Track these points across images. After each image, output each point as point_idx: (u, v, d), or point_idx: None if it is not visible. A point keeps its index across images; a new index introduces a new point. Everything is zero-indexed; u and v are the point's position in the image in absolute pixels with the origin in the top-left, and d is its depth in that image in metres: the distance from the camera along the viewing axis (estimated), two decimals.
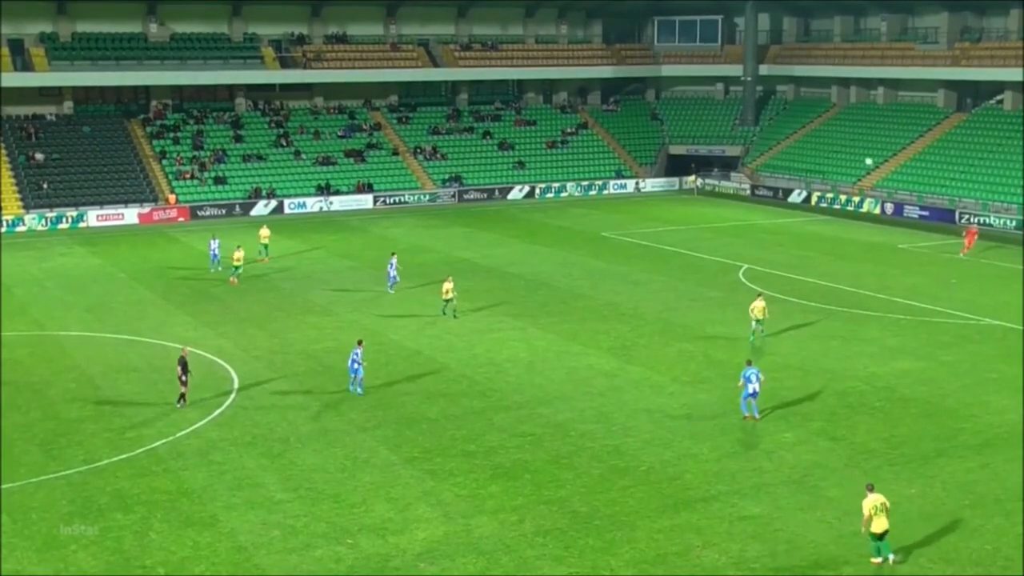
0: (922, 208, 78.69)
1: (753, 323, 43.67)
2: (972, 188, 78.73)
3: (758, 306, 43.47)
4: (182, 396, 35.47)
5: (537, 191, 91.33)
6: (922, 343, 43.70)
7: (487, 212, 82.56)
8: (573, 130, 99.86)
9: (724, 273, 57.86)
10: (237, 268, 55.55)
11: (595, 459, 30.96)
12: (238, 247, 57.08)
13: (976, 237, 64.55)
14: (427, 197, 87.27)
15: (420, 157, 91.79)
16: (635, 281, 55.42)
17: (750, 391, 33.96)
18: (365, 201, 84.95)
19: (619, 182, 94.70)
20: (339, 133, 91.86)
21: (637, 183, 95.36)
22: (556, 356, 41.82)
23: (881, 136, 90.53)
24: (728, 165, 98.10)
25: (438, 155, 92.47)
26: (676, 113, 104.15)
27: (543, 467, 30.56)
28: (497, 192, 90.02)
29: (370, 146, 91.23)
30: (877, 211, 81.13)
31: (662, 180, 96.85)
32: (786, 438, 32.66)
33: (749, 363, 34.65)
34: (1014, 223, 73.07)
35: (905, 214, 79.15)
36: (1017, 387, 37.67)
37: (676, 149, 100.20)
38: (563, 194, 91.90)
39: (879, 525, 24.04)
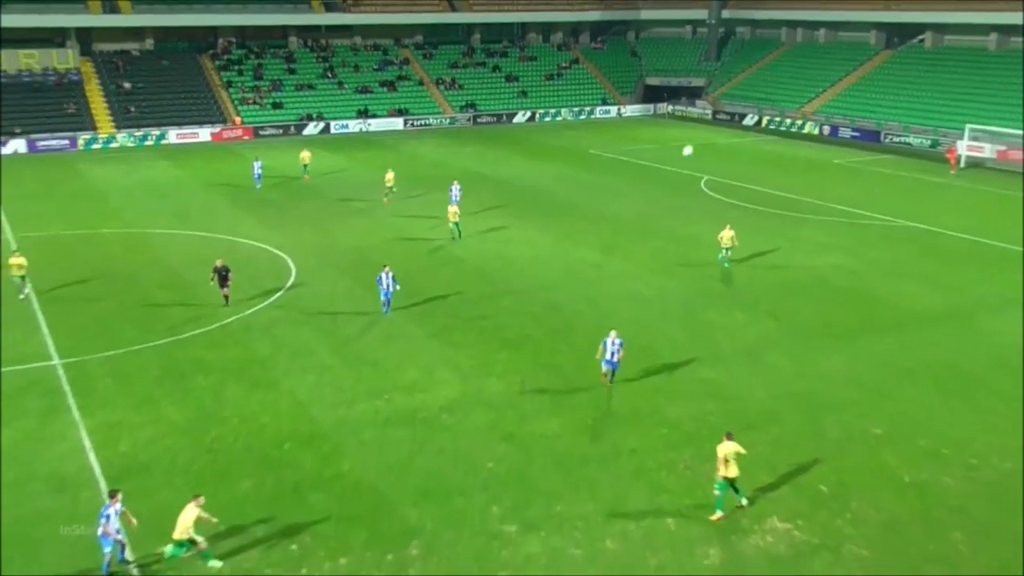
0: (854, 130, 77.93)
1: (723, 251, 38.84)
2: (896, 113, 77.97)
3: (727, 235, 38.83)
4: (225, 298, 33.46)
5: (537, 116, 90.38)
6: (852, 242, 43.68)
7: (496, 133, 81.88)
8: (567, 65, 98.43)
9: (689, 184, 57.61)
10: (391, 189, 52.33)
11: (583, 334, 31.18)
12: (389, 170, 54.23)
13: (955, 154, 61.72)
14: (447, 121, 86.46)
15: (441, 87, 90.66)
16: (617, 191, 55.23)
17: (609, 358, 26.57)
18: (397, 123, 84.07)
19: (604, 108, 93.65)
20: (375, 67, 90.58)
21: (619, 109, 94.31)
22: (553, 252, 41.81)
23: (822, 70, 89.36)
24: (694, 94, 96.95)
25: (456, 86, 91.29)
26: (652, 50, 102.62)
27: (542, 339, 30.80)
28: (504, 117, 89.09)
29: (400, 78, 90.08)
30: (816, 132, 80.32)
31: (639, 106, 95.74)
32: (738, 318, 32.88)
33: (613, 334, 26.91)
34: (929, 142, 72.45)
35: (840, 135, 78.43)
36: (929, 278, 37.79)
37: (652, 80, 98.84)
38: (558, 118, 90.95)
39: (732, 471, 20.32)
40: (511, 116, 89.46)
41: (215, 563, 18.96)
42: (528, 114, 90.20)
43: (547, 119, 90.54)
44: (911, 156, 68.52)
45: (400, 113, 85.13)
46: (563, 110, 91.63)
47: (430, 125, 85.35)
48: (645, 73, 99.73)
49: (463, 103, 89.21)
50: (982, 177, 60.70)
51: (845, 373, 28.09)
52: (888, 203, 51.90)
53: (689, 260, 40.25)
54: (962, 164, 63.69)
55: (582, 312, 33.50)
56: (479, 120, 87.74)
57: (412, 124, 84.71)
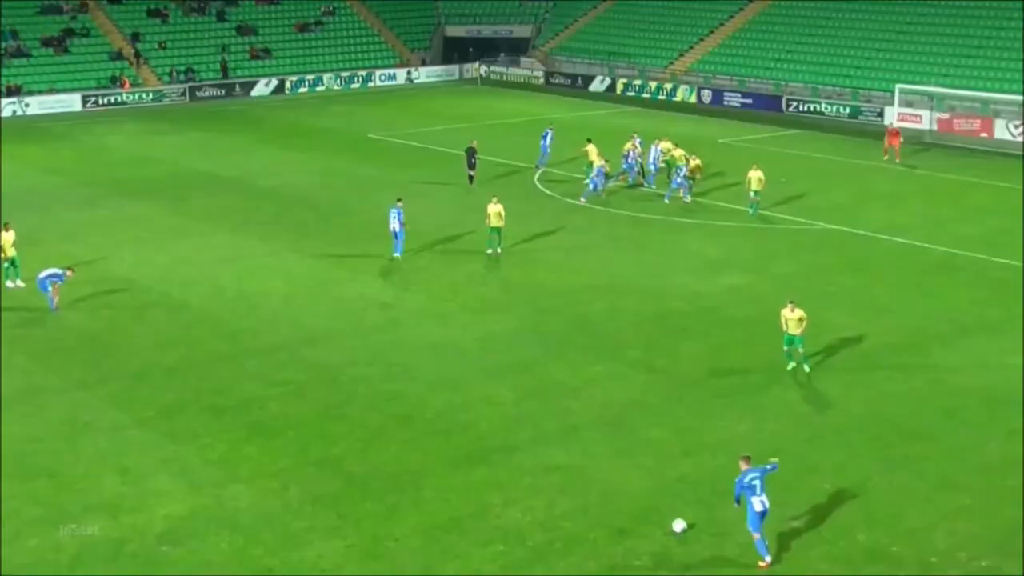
0: (744, 95, 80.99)
1: (751, 194, 49.17)
2: (802, 71, 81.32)
3: (755, 176, 47.26)
4: None
5: (287, 85, 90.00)
6: (750, 253, 45.07)
7: (227, 112, 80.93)
8: (329, 9, 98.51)
9: (518, 179, 58.29)
10: None
11: (371, 408, 30.81)
12: None
13: (899, 139, 63.23)
14: (150, 96, 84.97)
15: (140, 45, 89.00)
16: (412, 192, 55.30)
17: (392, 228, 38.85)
18: (73, 102, 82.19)
19: (387, 72, 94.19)
20: (32, 17, 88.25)
21: (409, 73, 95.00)
22: (319, 285, 41.44)
23: (696, 10, 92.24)
24: (517, 48, 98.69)
25: (161, 44, 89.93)
26: None
27: (309, 421, 30.29)
28: (238, 88, 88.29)
29: (71, 32, 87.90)
30: (693, 100, 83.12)
31: (439, 68, 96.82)
32: (596, 372, 33.16)
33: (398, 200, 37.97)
34: (847, 110, 75.91)
35: (725, 102, 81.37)
36: (856, 300, 39.33)
37: (454, 30, 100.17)
38: (319, 88, 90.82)
39: (794, 328, 32.36)
40: (248, 86, 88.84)
41: None
42: (274, 82, 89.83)
43: (302, 89, 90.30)
44: (825, 130, 71.69)
45: (74, 89, 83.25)
46: (326, 76, 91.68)
47: (124, 103, 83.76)
48: (444, 20, 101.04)
49: (173, 69, 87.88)
50: (920, 157, 64.03)
51: (750, 441, 28.65)
52: (797, 198, 53.98)
53: (522, 288, 40.61)
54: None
55: (366, 376, 33.15)
56: (200, 93, 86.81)
57: (96, 103, 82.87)
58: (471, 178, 56.68)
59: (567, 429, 29.68)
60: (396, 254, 44.27)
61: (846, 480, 26.96)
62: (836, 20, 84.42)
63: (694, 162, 53.41)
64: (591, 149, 55.28)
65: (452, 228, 48.84)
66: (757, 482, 23.00)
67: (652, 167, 55.97)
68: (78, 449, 28.91)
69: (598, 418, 30.29)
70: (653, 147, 56.65)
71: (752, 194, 49.75)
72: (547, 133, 61.01)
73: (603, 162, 53.61)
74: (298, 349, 35.36)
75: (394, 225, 44.22)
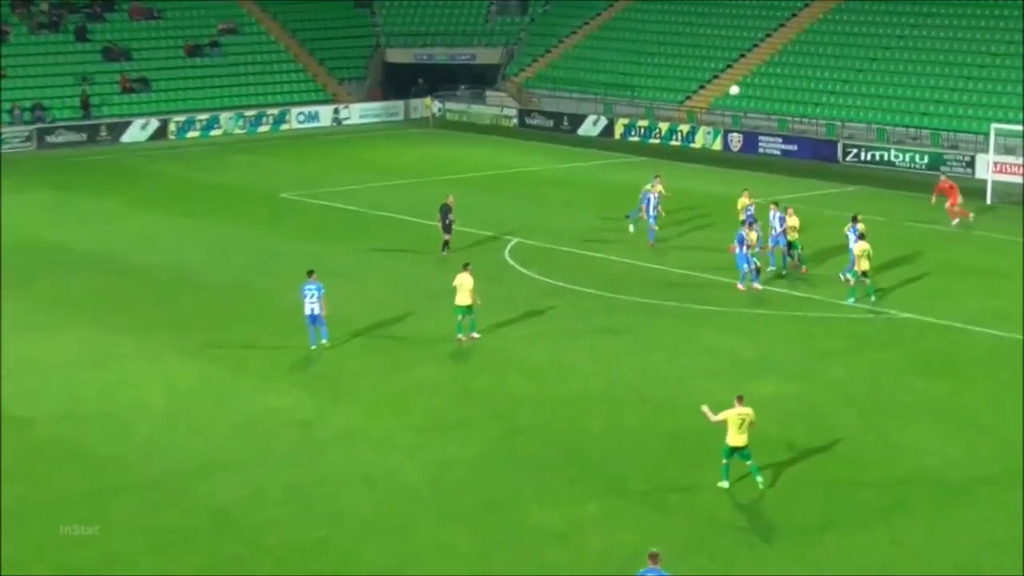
0: (786, 140, 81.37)
1: (857, 275, 50.26)
2: (861, 107, 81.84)
3: (861, 251, 49.69)
4: None
5: (172, 127, 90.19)
6: (795, 352, 45.08)
7: (89, 163, 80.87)
8: (229, 25, 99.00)
9: (481, 253, 58.28)
10: None
11: (286, 563, 30.55)
12: None
13: (957, 195, 63.78)
14: None
15: None
16: (338, 270, 55.19)
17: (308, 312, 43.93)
18: None
19: (307, 110, 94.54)
20: None
21: (337, 111, 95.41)
22: (214, 397, 41.19)
23: (722, 27, 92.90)
24: (482, 79, 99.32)
25: None
26: None
27: None
28: (104, 131, 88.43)
29: None
30: (718, 146, 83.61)
31: (377, 106, 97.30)
32: (589, 512, 32.88)
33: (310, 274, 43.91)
34: (926, 159, 76.34)
35: (761, 149, 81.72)
36: (943, 415, 39.20)
37: (398, 55, 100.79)
38: (215, 131, 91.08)
39: (739, 439, 33.54)
40: (118, 129, 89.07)
41: None
42: (153, 124, 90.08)
43: (192, 133, 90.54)
44: (895, 186, 72.17)
45: None
46: (224, 115, 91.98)
47: None
48: (385, 41, 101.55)
49: (16, 106, 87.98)
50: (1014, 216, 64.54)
51: None
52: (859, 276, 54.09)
53: (486, 399, 40.52)
54: (988, 200, 67.09)
55: (278, 521, 32.95)
56: (52, 138, 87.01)
57: None
58: (446, 243, 58.10)
59: None
60: (320, 342, 45.20)
61: None
62: (910, 39, 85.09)
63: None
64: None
65: (396, 317, 48.74)
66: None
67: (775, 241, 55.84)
68: None
69: (594, 574, 30.21)
70: (773, 211, 56.35)
71: (857, 276, 50.80)
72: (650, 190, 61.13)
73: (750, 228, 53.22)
74: (184, 483, 34.96)
75: (311, 306, 44.80)
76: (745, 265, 51.30)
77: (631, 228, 61.14)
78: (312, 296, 44.55)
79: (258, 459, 36.68)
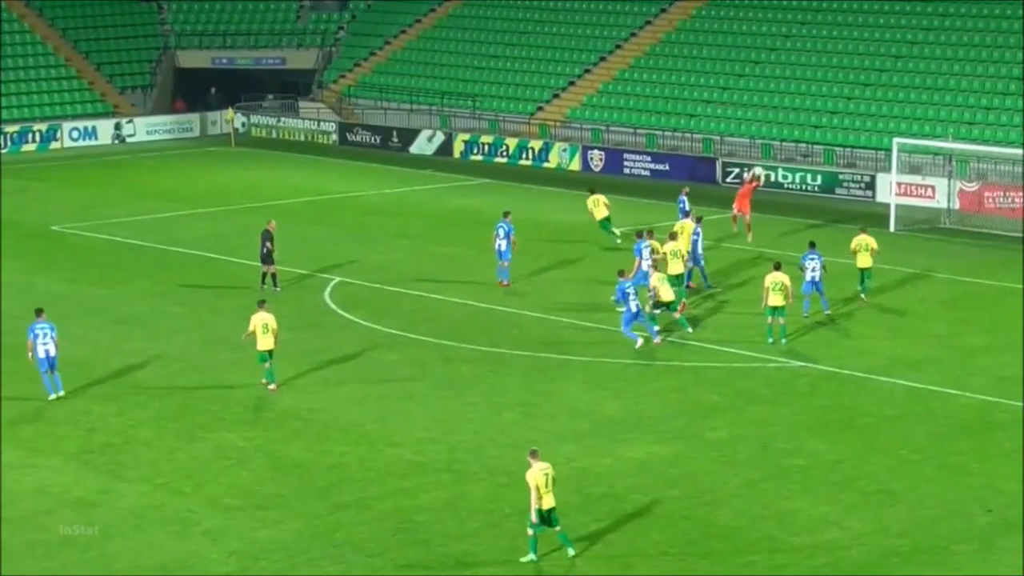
0: (655, 158, 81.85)
1: (768, 314, 50.78)
2: (742, 119, 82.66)
3: (774, 282, 50.00)
4: None
5: None
6: (671, 409, 45.09)
7: None
8: None
9: (296, 295, 58.08)
10: None
11: None
12: None
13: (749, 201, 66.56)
14: None
15: None
16: (126, 317, 54.84)
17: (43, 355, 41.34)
18: None
19: (82, 125, 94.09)
20: None
21: (118, 126, 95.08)
22: None
23: (578, 24, 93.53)
24: (294, 87, 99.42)
25: None
26: None
27: None
28: None
29: None
30: (576, 166, 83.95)
31: (167, 119, 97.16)
32: None
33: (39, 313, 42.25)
34: (819, 179, 77.13)
35: (627, 169, 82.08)
36: (842, 483, 39.34)
37: (191, 58, 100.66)
38: None
39: (548, 500, 33.44)
40: None
41: None
42: None
43: None
44: (784, 211, 73.06)
45: None
46: None
47: None
48: (176, 42, 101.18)
49: None
50: (932, 249, 65.31)
51: None
52: (738, 317, 54.89)
53: (312, 471, 40.23)
54: (892, 227, 67.73)
55: None
56: None
57: None
58: (267, 277, 58.28)
59: None
60: (58, 392, 45.43)
61: None
62: (798, 39, 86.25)
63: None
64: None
65: (195, 372, 48.36)
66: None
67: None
68: None
69: None
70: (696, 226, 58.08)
71: (770, 313, 51.03)
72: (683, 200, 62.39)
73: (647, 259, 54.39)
74: None
75: (45, 348, 44.95)
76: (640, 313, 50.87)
77: (618, 240, 61.56)
78: (46, 336, 44.15)
79: (25, 551, 35.44)
